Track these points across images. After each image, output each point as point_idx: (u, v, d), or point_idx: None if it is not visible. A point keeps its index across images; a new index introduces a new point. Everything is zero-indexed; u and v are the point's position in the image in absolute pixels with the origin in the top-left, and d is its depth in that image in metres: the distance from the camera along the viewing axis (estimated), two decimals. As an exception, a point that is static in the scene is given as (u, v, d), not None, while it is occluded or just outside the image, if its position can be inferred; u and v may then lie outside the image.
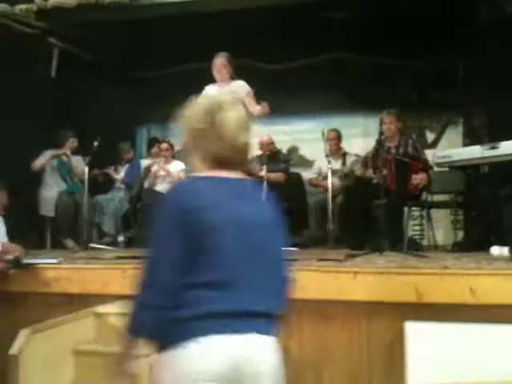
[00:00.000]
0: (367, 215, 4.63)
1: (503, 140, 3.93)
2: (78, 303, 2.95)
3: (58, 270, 3.15)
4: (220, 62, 4.41)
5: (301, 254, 3.73)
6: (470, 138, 5.97)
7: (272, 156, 5.43)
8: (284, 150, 6.78)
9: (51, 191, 5.42)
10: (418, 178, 4.40)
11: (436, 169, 4.75)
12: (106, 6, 4.60)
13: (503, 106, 4.85)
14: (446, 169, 4.77)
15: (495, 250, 3.14)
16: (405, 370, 2.41)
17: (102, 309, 2.79)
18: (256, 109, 4.23)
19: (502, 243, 3.20)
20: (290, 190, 5.51)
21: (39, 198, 5.42)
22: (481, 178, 4.60)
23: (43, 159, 5.47)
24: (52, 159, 5.53)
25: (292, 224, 5.50)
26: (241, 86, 4.35)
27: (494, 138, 4.15)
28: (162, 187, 5.61)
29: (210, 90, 4.40)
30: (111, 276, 2.98)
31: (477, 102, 5.84)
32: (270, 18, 5.26)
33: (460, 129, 6.57)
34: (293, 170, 6.07)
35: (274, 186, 5.24)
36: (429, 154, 4.90)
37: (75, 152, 5.65)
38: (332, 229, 4.82)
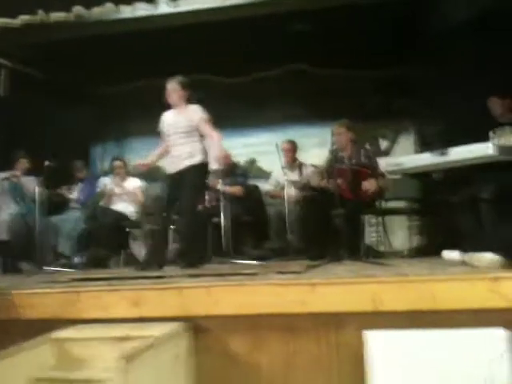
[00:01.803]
0: (326, 225, 4.66)
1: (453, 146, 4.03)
2: (34, 329, 2.85)
3: (13, 295, 3.05)
4: (171, 88, 4.22)
5: (261, 267, 3.73)
6: (422, 146, 6.12)
7: (229, 170, 5.43)
8: (243, 163, 6.80)
9: (3, 214, 5.27)
10: (367, 185, 4.47)
11: (389, 176, 4.83)
12: (51, 24, 4.51)
13: (454, 113, 4.99)
14: (399, 176, 4.86)
15: (446, 255, 3.21)
16: (368, 379, 2.42)
17: (59, 334, 2.71)
18: (213, 134, 4.17)
19: (457, 248, 3.26)
20: (248, 202, 5.53)
21: (-10, 222, 5.26)
22: (434, 185, 4.71)
23: (-8, 182, 5.33)
24: (2, 182, 5.38)
25: (252, 236, 5.58)
26: (195, 112, 4.19)
27: (445, 145, 4.25)
28: (118, 205, 5.54)
29: (166, 116, 4.35)
30: (66, 300, 2.91)
31: (428, 109, 5.99)
32: (226, 32, 5.28)
33: (412, 136, 6.73)
34: (251, 182, 6.09)
35: (232, 199, 5.26)
36: (382, 161, 4.97)
37: (28, 172, 5.52)
38: (292, 240, 4.85)
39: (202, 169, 4.16)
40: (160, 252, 4.25)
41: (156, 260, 4.09)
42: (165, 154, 4.38)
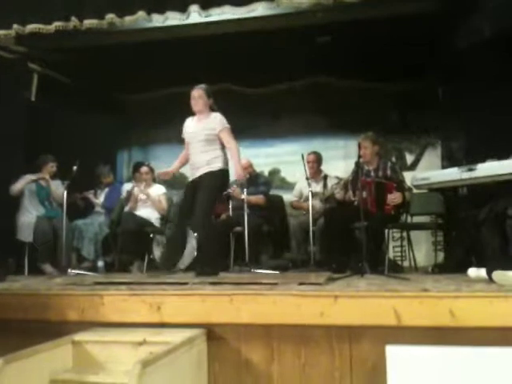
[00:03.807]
0: (348, 238, 4.63)
1: (481, 162, 3.99)
2: (55, 331, 2.88)
3: (36, 297, 3.09)
4: (197, 94, 4.25)
5: (282, 277, 3.71)
6: (449, 161, 6.05)
7: (252, 179, 5.43)
8: (266, 173, 6.80)
9: (29, 216, 5.34)
10: (392, 198, 4.44)
11: (415, 191, 4.79)
12: (84, 31, 4.57)
13: (481, 128, 4.93)
14: (426, 190, 4.81)
15: (472, 272, 3.13)
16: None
17: (79, 336, 2.73)
18: (232, 145, 4.18)
19: (481, 265, 3.20)
20: (271, 212, 5.52)
21: (17, 223, 5.34)
22: (460, 200, 4.65)
23: (21, 183, 5.41)
24: (30, 184, 5.47)
25: (274, 246, 5.57)
26: (218, 121, 4.19)
27: (472, 160, 4.20)
28: (142, 211, 5.58)
29: (188, 123, 4.37)
30: (89, 302, 2.94)
31: (455, 124, 5.93)
32: (251, 43, 5.31)
33: (439, 151, 6.66)
34: (275, 192, 6.09)
35: (254, 208, 5.25)
36: (408, 175, 4.94)
37: (54, 176, 5.61)
38: (314, 251, 4.83)
39: (219, 175, 4.15)
40: (174, 254, 4.31)
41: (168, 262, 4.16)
42: (186, 161, 4.41)
